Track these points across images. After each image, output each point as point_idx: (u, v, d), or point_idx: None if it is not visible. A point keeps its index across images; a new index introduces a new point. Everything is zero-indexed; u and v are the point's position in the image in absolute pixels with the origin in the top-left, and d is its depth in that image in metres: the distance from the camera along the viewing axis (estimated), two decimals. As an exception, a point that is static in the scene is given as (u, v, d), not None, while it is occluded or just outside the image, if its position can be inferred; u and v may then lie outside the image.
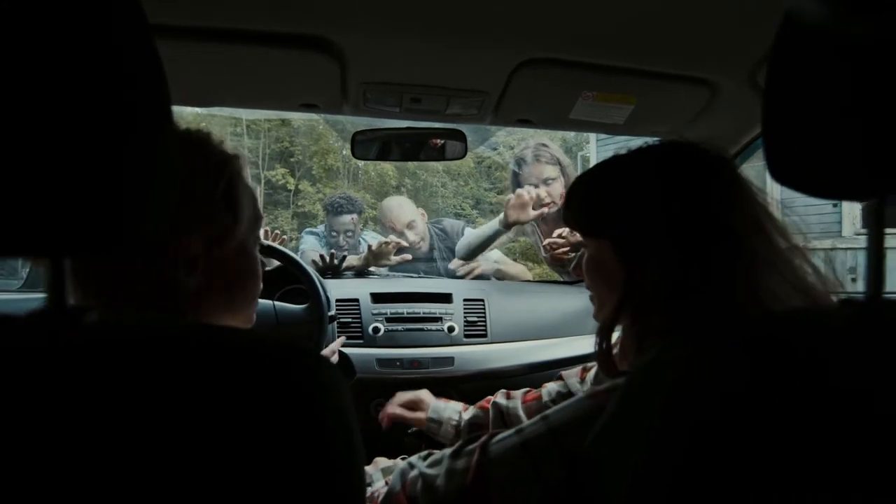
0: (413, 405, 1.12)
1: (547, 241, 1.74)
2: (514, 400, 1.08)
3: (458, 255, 2.00)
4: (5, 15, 0.32)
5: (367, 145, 1.29)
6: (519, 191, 1.76)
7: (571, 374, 1.07)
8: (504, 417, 1.06)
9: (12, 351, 0.35)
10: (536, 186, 1.82)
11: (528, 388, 1.10)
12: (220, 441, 0.34)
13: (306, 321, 1.25)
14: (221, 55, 0.89)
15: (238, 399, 0.35)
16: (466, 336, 1.43)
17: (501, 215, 1.82)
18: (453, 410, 1.10)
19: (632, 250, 0.59)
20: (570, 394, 1.05)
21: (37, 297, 1.36)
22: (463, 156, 1.30)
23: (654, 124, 1.13)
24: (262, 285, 0.66)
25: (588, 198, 0.68)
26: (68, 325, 0.37)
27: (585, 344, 1.49)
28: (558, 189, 1.83)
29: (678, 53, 0.93)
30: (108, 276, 0.53)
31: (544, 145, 1.87)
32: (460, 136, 1.26)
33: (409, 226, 2.12)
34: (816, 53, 0.42)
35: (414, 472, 0.65)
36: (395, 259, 1.86)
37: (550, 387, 1.08)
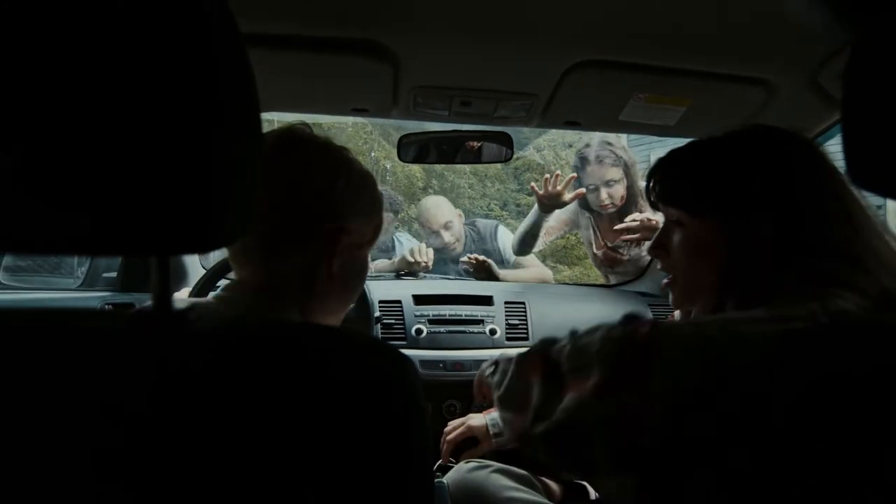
0: (468, 436, 1.09)
1: (621, 225, 1.63)
2: None
3: (514, 251, 1.99)
4: (114, 27, 0.33)
5: (412, 147, 1.30)
6: (546, 177, 1.73)
7: None
8: None
9: (122, 347, 0.36)
10: (597, 188, 1.78)
11: None
12: (315, 434, 0.35)
13: (353, 321, 1.27)
14: (275, 61, 0.91)
15: (335, 396, 0.36)
16: (508, 339, 1.43)
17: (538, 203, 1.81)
18: None
19: (743, 230, 0.59)
20: None
21: (95, 295, 1.42)
22: (509, 158, 1.30)
23: (706, 126, 1.11)
24: None
25: (699, 177, 0.66)
26: (173, 324, 0.38)
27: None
28: (619, 191, 1.79)
29: (735, 53, 0.91)
30: (263, 255, 0.62)
31: (609, 144, 1.80)
32: (506, 138, 1.26)
33: (446, 226, 2.13)
34: None
35: (560, 344, 0.60)
36: (423, 265, 1.86)
37: None
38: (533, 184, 1.78)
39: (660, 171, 0.70)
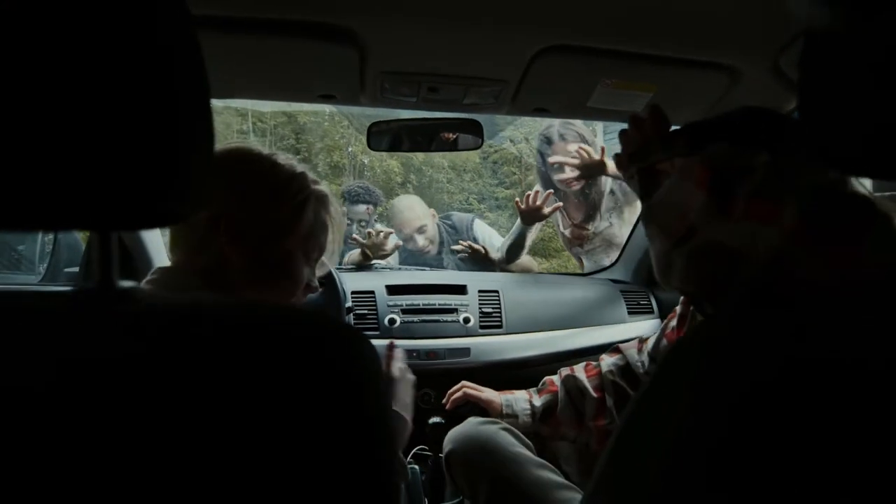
0: (481, 405, 1.15)
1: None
2: (580, 373, 1.11)
3: (503, 262, 1.98)
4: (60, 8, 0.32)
5: (384, 136, 1.29)
6: (528, 195, 1.76)
7: (630, 346, 1.10)
8: (572, 395, 1.10)
9: (63, 328, 0.35)
10: (561, 166, 1.81)
11: (585, 362, 1.14)
12: (266, 414, 0.34)
13: (323, 307, 1.25)
14: (240, 46, 0.89)
15: (286, 374, 0.35)
16: (482, 327, 1.43)
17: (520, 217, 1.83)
18: (523, 401, 1.14)
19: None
20: (627, 365, 1.09)
21: (57, 290, 1.37)
22: (479, 146, 1.30)
23: (673, 112, 1.12)
24: (297, 291, 0.78)
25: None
26: (117, 303, 0.37)
27: (601, 334, 1.49)
28: None
29: (700, 39, 0.92)
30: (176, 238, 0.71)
31: (570, 123, 1.85)
32: (476, 126, 1.26)
33: (420, 230, 2.07)
34: (852, 34, 0.41)
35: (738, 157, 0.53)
36: (390, 246, 1.78)
37: (608, 360, 1.11)
38: (517, 199, 1.81)
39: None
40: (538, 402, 1.13)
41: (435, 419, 1.16)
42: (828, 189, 0.47)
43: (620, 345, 1.13)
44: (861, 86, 0.42)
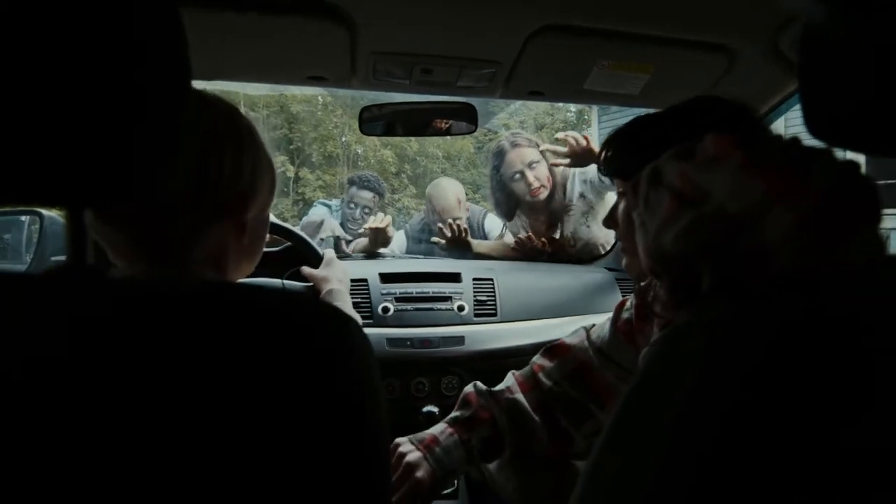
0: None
1: (561, 134, 1.68)
2: (515, 389, 0.96)
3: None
4: None
5: (377, 121, 1.26)
6: (529, 236, 1.80)
7: (574, 340, 0.96)
8: (516, 422, 0.93)
9: (34, 308, 0.33)
10: (522, 174, 1.78)
11: (511, 373, 0.99)
12: (246, 397, 0.33)
13: (312, 294, 1.24)
14: (226, 24, 0.87)
15: (266, 356, 0.34)
16: (476, 315, 1.42)
17: (513, 241, 1.86)
18: (454, 446, 0.91)
19: None
20: None
21: (27, 272, 1.35)
22: (473, 131, 1.28)
23: (669, 94, 1.11)
24: None
25: (638, 148, 0.65)
26: (90, 281, 0.35)
27: (596, 322, 1.48)
28: (544, 171, 1.79)
29: (697, 18, 0.90)
30: (162, 238, 0.54)
31: (519, 132, 1.83)
32: (471, 110, 1.24)
33: (460, 204, 2.06)
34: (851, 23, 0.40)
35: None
36: (391, 232, 1.77)
37: (547, 367, 0.96)
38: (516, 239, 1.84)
39: (608, 145, 0.70)
40: (475, 439, 0.89)
41: (429, 408, 1.15)
42: (847, 170, 0.42)
43: (560, 343, 0.96)
44: (862, 65, 0.40)
